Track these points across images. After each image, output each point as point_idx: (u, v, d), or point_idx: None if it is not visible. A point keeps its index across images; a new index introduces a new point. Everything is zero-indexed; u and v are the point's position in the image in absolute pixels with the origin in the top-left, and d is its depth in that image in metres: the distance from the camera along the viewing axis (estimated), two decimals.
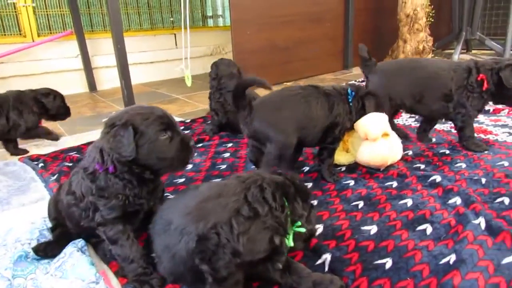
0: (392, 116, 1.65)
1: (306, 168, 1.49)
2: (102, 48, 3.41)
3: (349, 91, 1.35)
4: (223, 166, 1.55)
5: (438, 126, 1.87)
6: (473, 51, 4.56)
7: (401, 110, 1.69)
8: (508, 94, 1.46)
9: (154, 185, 0.97)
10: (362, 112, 1.35)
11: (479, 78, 1.47)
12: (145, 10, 3.79)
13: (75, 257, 0.89)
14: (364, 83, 1.76)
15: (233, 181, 0.89)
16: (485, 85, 1.46)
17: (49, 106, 1.81)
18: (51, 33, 3.24)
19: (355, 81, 3.16)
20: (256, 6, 3.03)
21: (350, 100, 1.34)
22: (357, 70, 3.76)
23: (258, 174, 0.90)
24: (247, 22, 2.99)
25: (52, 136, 1.89)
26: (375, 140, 1.34)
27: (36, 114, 1.78)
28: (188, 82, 2.52)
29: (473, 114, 1.51)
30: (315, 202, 1.21)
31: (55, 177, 1.49)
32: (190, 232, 0.80)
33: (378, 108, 1.36)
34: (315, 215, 1.05)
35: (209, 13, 4.34)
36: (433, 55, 3.76)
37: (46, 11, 3.23)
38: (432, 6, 3.63)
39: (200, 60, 3.89)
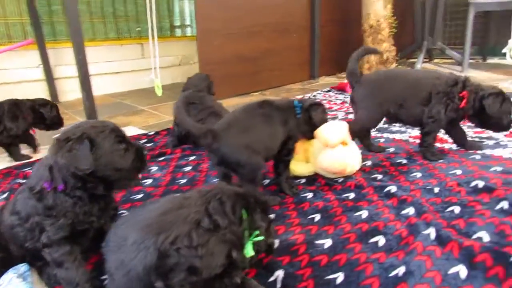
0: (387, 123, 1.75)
1: (267, 181, 1.49)
2: (65, 58, 3.32)
3: (295, 103, 1.37)
4: (183, 181, 1.53)
5: (396, 136, 1.91)
6: (435, 60, 4.72)
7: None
8: (490, 121, 1.54)
9: (106, 202, 0.96)
10: (310, 122, 1.37)
11: (461, 94, 1.52)
12: (111, 20, 3.73)
13: (14, 283, 0.85)
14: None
15: (194, 194, 0.89)
16: (463, 103, 1.52)
17: (46, 115, 1.86)
18: (10, 42, 3.14)
19: (321, 90, 3.20)
20: (222, 16, 3.03)
21: (298, 112, 1.36)
22: (323, 80, 3.82)
23: (219, 188, 0.91)
24: (214, 33, 3.00)
25: (36, 144, 1.93)
26: (334, 147, 1.36)
27: (27, 121, 1.80)
28: (159, 92, 2.50)
29: (443, 123, 1.56)
30: (272, 216, 1.21)
31: (5, 195, 1.43)
32: (149, 246, 0.78)
33: (323, 119, 1.38)
34: (274, 229, 1.05)
35: (177, 23, 4.32)
36: (397, 64, 3.85)
37: (5, 19, 3.13)
38: (395, 18, 3.73)
39: (168, 70, 3.86)
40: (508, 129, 1.57)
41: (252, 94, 3.30)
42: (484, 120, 1.55)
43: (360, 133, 1.66)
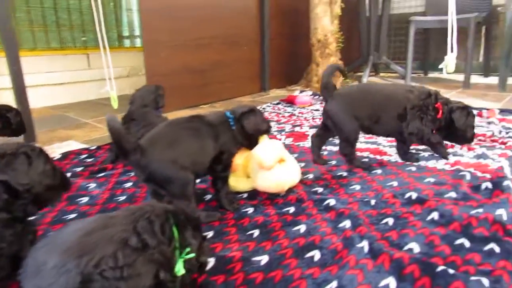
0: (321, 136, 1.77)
1: (208, 197, 1.46)
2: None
3: (227, 114, 1.36)
4: (122, 198, 1.48)
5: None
6: (381, 74, 4.92)
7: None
8: (456, 134, 1.64)
9: (22, 225, 0.90)
10: (244, 133, 1.36)
11: (436, 105, 1.60)
12: (54, 29, 3.58)
13: None
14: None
15: (121, 212, 0.86)
16: (440, 114, 1.60)
17: (13, 121, 1.82)
18: None
19: (270, 103, 3.23)
20: (170, 27, 3.00)
21: (232, 124, 1.35)
22: (274, 93, 3.86)
23: (148, 206, 0.88)
24: (161, 44, 2.95)
25: None
26: (270, 169, 1.35)
27: None
28: (115, 104, 2.39)
29: (428, 132, 1.62)
30: (211, 233, 1.19)
31: None
32: (71, 270, 0.73)
33: (257, 127, 1.38)
34: (208, 247, 1.03)
35: (126, 33, 4.23)
36: (344, 78, 3.96)
37: None
38: (342, 33, 3.85)
39: (116, 82, 3.72)
40: (471, 141, 1.68)
41: (201, 106, 3.27)
42: (450, 132, 1.64)
43: (351, 148, 1.69)
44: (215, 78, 3.41)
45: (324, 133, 1.76)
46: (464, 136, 1.65)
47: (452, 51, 2.34)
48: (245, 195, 1.46)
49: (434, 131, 1.66)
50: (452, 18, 2.39)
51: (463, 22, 3.70)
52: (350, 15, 4.59)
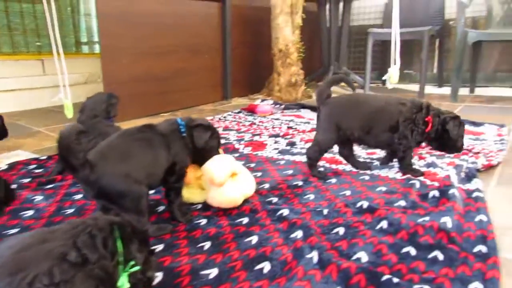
0: (344, 145, 1.78)
1: (161, 208, 1.43)
2: None
3: (179, 121, 1.33)
4: (70, 211, 1.42)
5: (297, 158, 1.96)
6: (342, 84, 5.02)
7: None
8: (450, 144, 1.66)
9: None
10: (191, 145, 1.33)
11: (426, 119, 1.63)
12: (5, 33, 3.43)
13: None
14: None
15: (62, 226, 0.82)
16: (429, 127, 1.63)
17: None
18: None
19: (232, 111, 3.23)
20: (130, 35, 2.94)
21: (183, 131, 1.32)
22: (236, 101, 3.86)
23: (92, 219, 0.85)
24: (120, 50, 2.89)
25: None
26: (221, 185, 1.33)
27: None
28: (69, 113, 2.28)
29: (413, 145, 1.66)
30: (160, 247, 1.16)
31: None
32: None
33: (209, 138, 1.36)
34: (155, 261, 1.00)
35: (84, 39, 4.11)
36: (305, 87, 4.02)
37: None
38: (303, 43, 3.91)
39: (73, 89, 3.60)
40: (461, 150, 1.72)
41: (162, 114, 3.22)
42: (443, 142, 1.67)
43: (318, 154, 1.71)
44: (177, 86, 3.37)
45: (342, 144, 1.78)
46: (455, 146, 1.68)
47: (395, 63, 2.43)
48: (199, 206, 1.43)
49: (422, 144, 1.74)
50: (395, 33, 2.49)
51: (418, 35, 3.86)
52: (312, 25, 4.68)
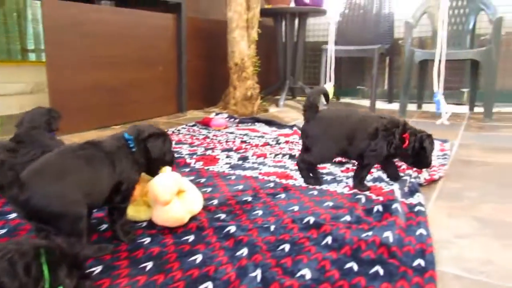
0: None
1: (104, 226, 1.37)
2: None
3: (126, 136, 1.28)
4: (2, 231, 1.32)
5: (248, 173, 1.96)
6: (298, 98, 5.12)
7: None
8: (424, 160, 1.74)
9: None
10: (149, 155, 1.30)
11: (403, 135, 1.68)
12: None
13: None
14: None
15: None
16: (407, 143, 1.68)
17: None
18: None
19: (186, 125, 3.19)
20: (78, 44, 2.85)
21: (132, 146, 1.27)
22: (191, 114, 3.82)
23: (15, 243, 0.80)
24: (68, 60, 2.79)
25: None
26: (167, 204, 1.30)
27: None
28: None
29: (382, 157, 1.71)
30: (99, 268, 1.10)
31: None
32: None
33: (162, 154, 1.33)
34: (91, 285, 0.95)
35: (31, 46, 3.94)
36: (261, 101, 4.05)
37: None
38: (259, 57, 3.95)
39: (16, 98, 3.46)
40: (430, 165, 1.81)
41: (113, 127, 3.12)
42: (418, 159, 1.74)
43: (314, 166, 1.77)
44: (129, 98, 3.29)
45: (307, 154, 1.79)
46: (428, 162, 1.76)
47: (330, 80, 2.55)
48: (144, 224, 1.39)
49: (396, 159, 1.81)
50: (330, 53, 2.61)
51: (368, 52, 4.01)
52: (268, 40, 4.75)
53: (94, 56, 2.97)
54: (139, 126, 1.34)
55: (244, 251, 1.19)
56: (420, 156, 1.73)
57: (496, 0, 4.04)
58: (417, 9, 3.98)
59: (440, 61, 2.77)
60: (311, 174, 1.82)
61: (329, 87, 2.56)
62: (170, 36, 3.62)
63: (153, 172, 1.36)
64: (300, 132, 1.86)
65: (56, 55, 2.70)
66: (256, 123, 3.30)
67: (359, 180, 1.73)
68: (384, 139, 1.69)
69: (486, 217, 1.44)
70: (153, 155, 1.30)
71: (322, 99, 2.25)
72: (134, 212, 1.40)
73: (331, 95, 2.55)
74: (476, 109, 3.94)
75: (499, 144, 2.56)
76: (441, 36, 2.76)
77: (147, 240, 1.27)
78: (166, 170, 1.39)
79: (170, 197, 1.30)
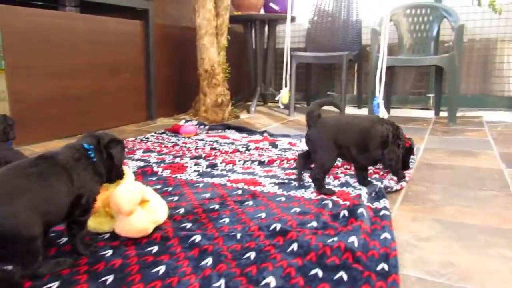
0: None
1: (63, 240, 1.32)
2: None
3: (85, 146, 1.22)
4: None
5: (216, 180, 1.94)
6: (269, 104, 5.13)
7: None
8: (407, 163, 1.92)
9: None
10: (111, 163, 1.25)
11: (404, 136, 1.83)
12: None
13: None
14: None
15: None
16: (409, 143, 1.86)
17: None
18: None
19: (155, 132, 3.14)
20: (40, 51, 2.77)
21: (92, 156, 1.22)
22: (161, 122, 3.77)
23: None
24: (29, 68, 2.70)
25: None
26: (130, 215, 1.27)
27: None
28: None
29: (399, 161, 1.80)
30: (56, 284, 1.05)
31: None
32: None
33: (124, 156, 1.30)
34: None
35: None
36: (232, 107, 4.04)
37: None
38: (229, 64, 3.95)
39: None
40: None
41: (79, 136, 3.03)
42: (404, 161, 1.88)
43: (323, 174, 1.78)
44: (96, 106, 3.21)
45: (309, 154, 1.83)
46: (408, 165, 1.95)
47: (286, 85, 2.60)
48: (107, 236, 1.35)
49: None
50: (287, 58, 2.67)
51: (337, 59, 4.07)
52: (239, 47, 4.76)
53: (58, 64, 2.89)
54: (94, 133, 1.28)
55: (209, 261, 1.16)
56: (405, 157, 1.87)
57: (458, 8, 4.20)
58: (383, 17, 4.08)
59: (381, 69, 2.91)
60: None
61: (285, 92, 2.65)
62: (138, 43, 3.57)
63: (113, 181, 1.32)
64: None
65: (16, 63, 2.62)
66: (226, 130, 3.28)
67: (400, 174, 1.84)
68: (394, 145, 1.77)
69: (448, 220, 1.47)
70: (116, 161, 1.26)
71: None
72: (96, 223, 1.35)
73: (287, 99, 2.66)
74: (442, 114, 4.05)
75: (462, 148, 2.64)
76: (383, 47, 2.89)
77: (109, 252, 1.23)
78: (129, 180, 1.35)
79: (133, 207, 1.26)
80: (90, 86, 3.15)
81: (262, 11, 4.56)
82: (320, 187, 1.75)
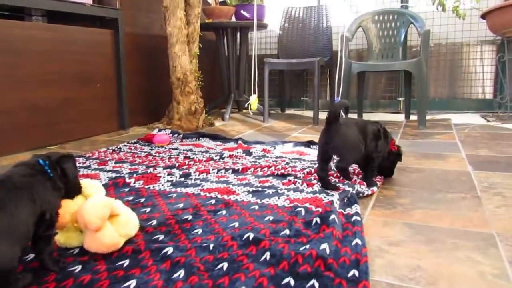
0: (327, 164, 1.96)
1: (31, 256, 1.28)
2: None
3: (41, 162, 1.18)
4: None
5: (189, 190, 1.92)
6: (244, 110, 5.14)
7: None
8: (385, 165, 2.04)
9: None
10: (65, 179, 1.21)
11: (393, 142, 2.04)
12: None
13: None
14: None
15: None
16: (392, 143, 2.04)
17: None
18: None
19: (128, 142, 3.09)
20: (5, 62, 2.69)
21: (49, 172, 1.17)
22: (134, 131, 3.72)
23: None
24: None
25: None
26: (98, 230, 1.24)
27: None
28: None
29: (382, 158, 1.99)
30: None
31: None
32: None
33: (76, 171, 1.26)
34: None
35: None
36: (207, 115, 4.03)
37: None
38: (202, 71, 3.94)
39: None
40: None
41: (49, 147, 2.96)
42: (381, 165, 2.05)
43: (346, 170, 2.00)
44: (65, 116, 3.14)
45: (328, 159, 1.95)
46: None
47: (254, 92, 2.66)
48: (76, 251, 1.31)
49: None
50: (254, 65, 2.73)
51: (309, 65, 4.12)
52: (212, 54, 4.76)
53: (24, 75, 2.81)
54: (42, 154, 1.24)
55: (181, 273, 1.15)
56: (384, 161, 2.02)
57: (423, 14, 4.33)
58: (352, 23, 4.17)
59: (341, 72, 3.08)
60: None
61: (254, 99, 2.75)
62: (108, 52, 3.51)
63: (71, 196, 1.28)
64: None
65: None
66: (200, 138, 3.27)
67: (370, 181, 1.95)
68: (385, 139, 1.96)
69: (417, 224, 1.50)
70: (69, 176, 1.22)
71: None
72: (65, 238, 1.32)
73: (255, 107, 2.77)
74: (412, 117, 4.16)
75: (432, 151, 2.71)
76: (343, 51, 3.03)
77: (78, 267, 1.20)
78: (97, 194, 1.33)
79: (101, 223, 1.23)
80: (59, 96, 3.08)
81: (233, 19, 4.58)
82: (347, 176, 1.99)
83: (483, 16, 3.91)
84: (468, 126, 3.70)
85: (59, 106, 3.08)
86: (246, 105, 2.78)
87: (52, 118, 3.04)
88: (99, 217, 1.22)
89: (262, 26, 4.63)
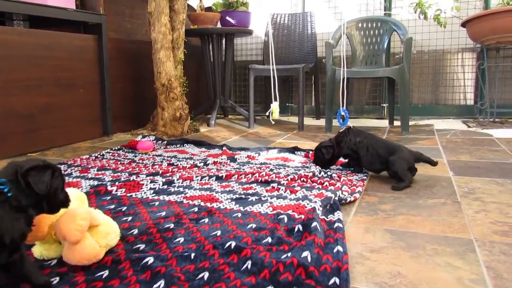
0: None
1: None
2: None
3: None
4: None
5: (172, 198, 1.91)
6: (230, 116, 5.14)
7: None
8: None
9: None
10: (31, 195, 1.07)
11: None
12: None
13: None
14: None
15: None
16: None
17: None
18: None
19: (111, 149, 3.06)
20: None
21: (6, 190, 1.03)
22: (118, 137, 3.68)
23: None
24: None
25: None
26: (77, 243, 1.22)
27: None
28: None
29: None
30: None
31: None
32: None
33: (54, 183, 1.13)
34: None
35: None
36: (192, 121, 4.02)
37: None
38: (187, 77, 3.93)
39: None
40: None
41: (29, 154, 2.92)
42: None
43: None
44: (47, 123, 3.10)
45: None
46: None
47: (276, 99, 2.59)
48: (54, 262, 1.29)
49: None
50: (273, 72, 2.66)
51: (294, 71, 4.14)
52: (197, 60, 4.75)
53: (5, 81, 2.77)
54: (17, 162, 1.11)
55: (161, 283, 1.14)
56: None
57: (406, 21, 4.40)
58: (336, 30, 4.21)
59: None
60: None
61: (275, 106, 2.67)
62: (91, 58, 3.48)
63: (53, 211, 1.19)
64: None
65: None
66: (185, 144, 3.25)
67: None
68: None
69: (398, 230, 1.52)
70: (37, 191, 1.06)
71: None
72: (43, 250, 1.29)
73: (276, 115, 2.78)
74: (396, 123, 4.21)
75: None
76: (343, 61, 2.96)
77: (56, 279, 1.18)
78: (75, 204, 1.31)
79: (80, 235, 1.21)
80: (40, 102, 3.04)
81: (219, 25, 4.58)
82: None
83: (463, 25, 3.99)
84: (450, 131, 3.76)
85: (40, 112, 3.04)
86: (267, 113, 2.78)
87: (33, 124, 2.99)
88: (78, 230, 1.20)
89: (247, 33, 4.64)
